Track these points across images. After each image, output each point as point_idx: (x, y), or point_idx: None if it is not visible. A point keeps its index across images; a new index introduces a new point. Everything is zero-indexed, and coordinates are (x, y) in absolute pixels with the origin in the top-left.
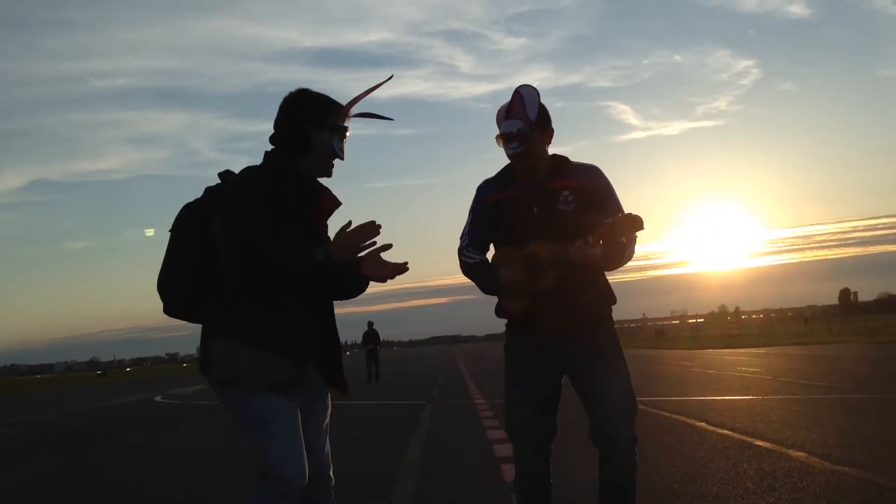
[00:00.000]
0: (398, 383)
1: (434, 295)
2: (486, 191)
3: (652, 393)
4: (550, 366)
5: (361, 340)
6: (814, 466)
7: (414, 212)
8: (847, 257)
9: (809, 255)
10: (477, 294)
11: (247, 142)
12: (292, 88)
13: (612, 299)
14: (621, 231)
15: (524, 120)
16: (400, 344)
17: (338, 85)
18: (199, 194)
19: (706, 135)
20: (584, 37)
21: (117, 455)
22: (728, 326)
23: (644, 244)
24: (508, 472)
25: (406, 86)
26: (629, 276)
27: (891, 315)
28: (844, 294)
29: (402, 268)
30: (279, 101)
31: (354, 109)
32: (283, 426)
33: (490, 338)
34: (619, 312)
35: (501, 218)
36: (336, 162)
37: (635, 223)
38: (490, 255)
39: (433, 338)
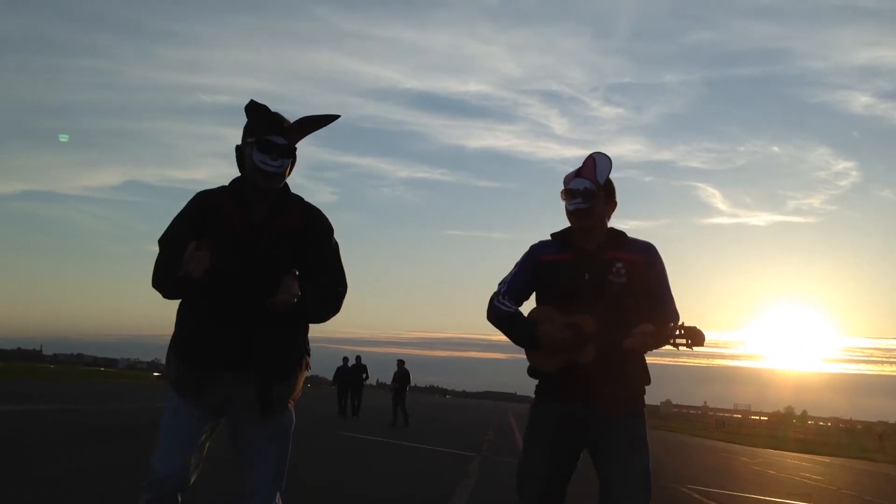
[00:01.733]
0: (449, 430)
1: (493, 349)
2: (542, 249)
3: (710, 484)
4: (570, 438)
5: (391, 380)
6: None
7: (486, 264)
8: None
9: (887, 370)
10: None
11: (332, 171)
12: (387, 125)
13: (645, 380)
14: (688, 342)
15: (592, 181)
16: (454, 393)
17: (432, 129)
18: None
19: (795, 230)
20: (681, 115)
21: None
22: (793, 429)
23: (715, 331)
24: None
25: (497, 139)
26: (695, 360)
27: None
28: None
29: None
30: (371, 136)
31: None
32: (172, 425)
33: None
34: (681, 398)
35: (552, 279)
36: (413, 206)
37: (699, 339)
38: (525, 310)
39: (487, 392)
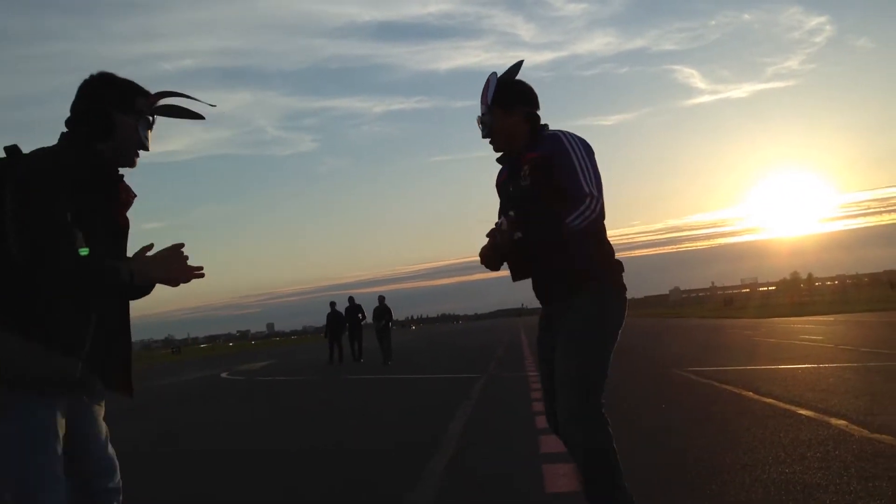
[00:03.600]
0: (459, 357)
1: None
2: (497, 176)
3: (707, 363)
4: (545, 332)
5: (372, 317)
6: (851, 434)
7: (475, 185)
8: None
9: (886, 219)
10: None
11: (309, 118)
12: (354, 62)
13: (583, 273)
14: (505, 233)
15: (484, 104)
16: (465, 317)
17: (399, 58)
18: (263, 171)
19: (777, 96)
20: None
21: (169, 429)
22: (800, 294)
23: (712, 211)
24: (546, 443)
25: (466, 57)
26: (696, 244)
27: None
28: None
29: (196, 272)
30: (341, 76)
31: (164, 101)
32: (45, 439)
33: None
34: (688, 282)
35: (500, 200)
36: (394, 139)
37: (511, 226)
38: None
39: (499, 311)
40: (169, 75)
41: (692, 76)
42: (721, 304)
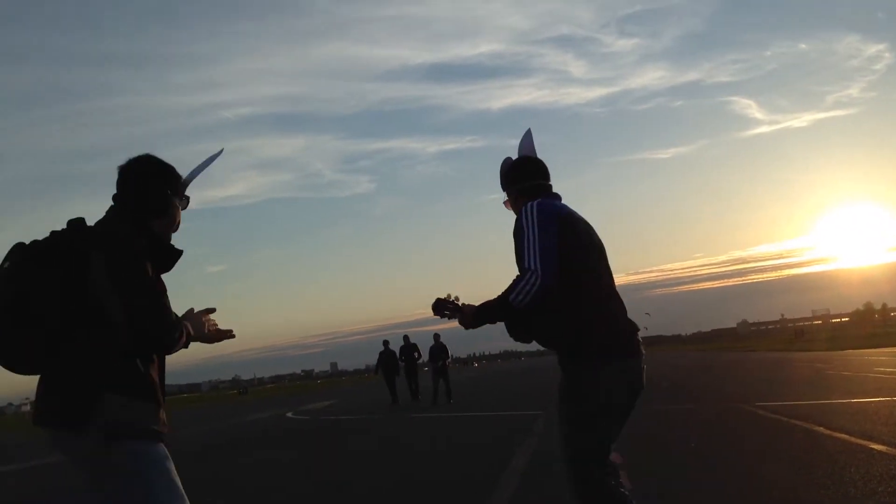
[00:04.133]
0: (521, 394)
1: None
2: None
3: (776, 397)
4: None
5: (428, 356)
6: None
7: None
8: None
9: None
10: None
11: (364, 160)
12: (407, 104)
13: (558, 345)
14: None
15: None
16: (528, 354)
17: (451, 99)
18: (322, 213)
19: (839, 124)
20: (699, 33)
21: (239, 469)
22: (874, 325)
23: (779, 242)
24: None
25: (518, 95)
26: (764, 276)
27: None
28: None
29: (228, 334)
30: (394, 118)
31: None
32: (173, 477)
33: None
34: (754, 314)
35: None
36: (448, 178)
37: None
38: None
39: None
40: (228, 123)
41: (749, 107)
42: (792, 337)
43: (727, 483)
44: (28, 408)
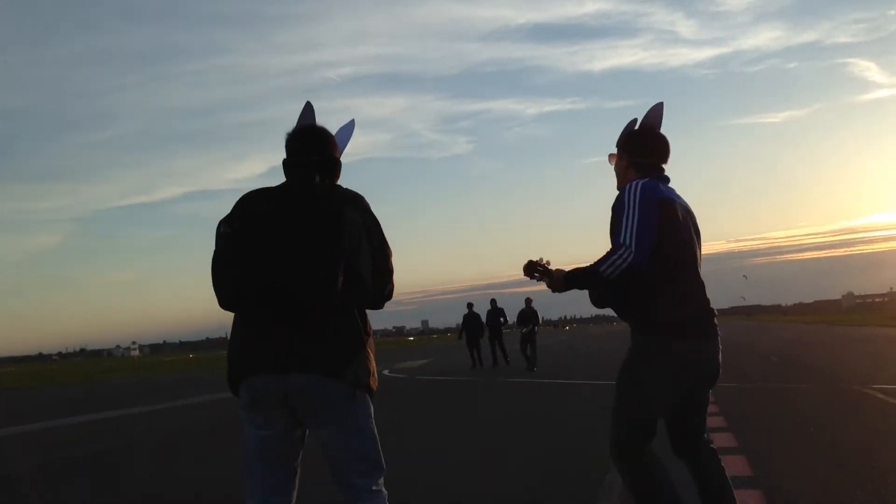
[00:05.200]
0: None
1: None
2: None
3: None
4: None
5: (517, 320)
6: None
7: None
8: None
9: None
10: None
11: (464, 121)
12: (509, 64)
13: (642, 311)
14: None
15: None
16: (618, 319)
17: (553, 60)
18: (419, 174)
19: None
20: None
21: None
22: None
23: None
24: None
25: (622, 56)
26: (873, 247)
27: None
28: None
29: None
30: (495, 79)
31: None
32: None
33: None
34: (861, 286)
35: None
36: (548, 141)
37: (526, 270)
38: None
39: None
40: (331, 83)
41: (869, 69)
42: None
43: (846, 468)
44: (136, 352)
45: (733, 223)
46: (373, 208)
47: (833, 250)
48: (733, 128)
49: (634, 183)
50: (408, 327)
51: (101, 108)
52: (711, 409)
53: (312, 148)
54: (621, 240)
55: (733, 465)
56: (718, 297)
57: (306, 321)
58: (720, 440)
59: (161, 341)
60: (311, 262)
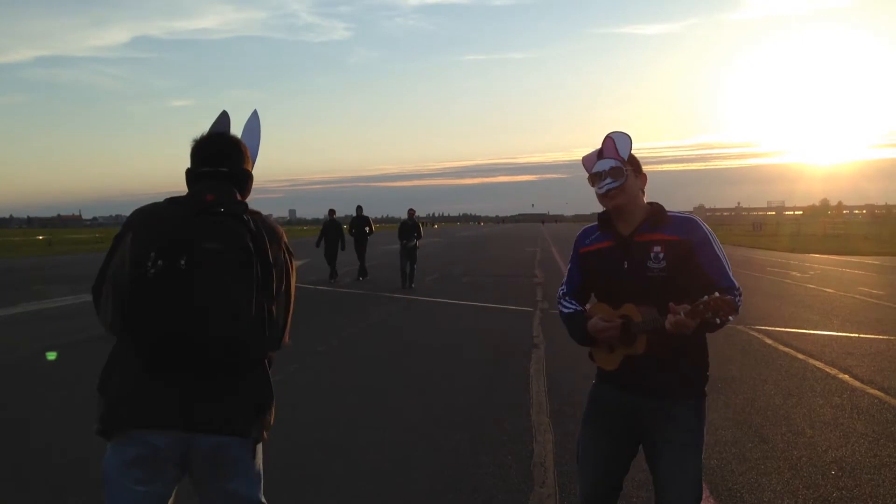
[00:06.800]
0: (496, 277)
1: (522, 172)
2: (582, 240)
3: (772, 320)
4: (627, 425)
5: (398, 234)
6: None
7: (509, 86)
8: None
9: None
10: (567, 174)
11: (343, 6)
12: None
13: (699, 361)
14: (716, 313)
15: (617, 159)
16: (486, 219)
17: None
18: (294, 56)
19: (838, 14)
20: None
21: None
22: (828, 223)
23: (747, 131)
24: None
25: None
26: (725, 163)
27: None
28: None
29: None
30: None
31: None
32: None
33: (578, 218)
34: (712, 200)
35: (593, 271)
36: (429, 34)
37: (729, 307)
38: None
39: (520, 215)
40: None
41: None
42: (749, 229)
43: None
44: None
45: (602, 133)
46: (243, 90)
47: (690, 163)
48: (609, 36)
49: (699, 218)
50: (274, 216)
51: None
52: None
53: (223, 158)
54: (736, 284)
55: None
56: (579, 204)
57: (219, 374)
58: None
59: (7, 215)
60: (234, 310)
